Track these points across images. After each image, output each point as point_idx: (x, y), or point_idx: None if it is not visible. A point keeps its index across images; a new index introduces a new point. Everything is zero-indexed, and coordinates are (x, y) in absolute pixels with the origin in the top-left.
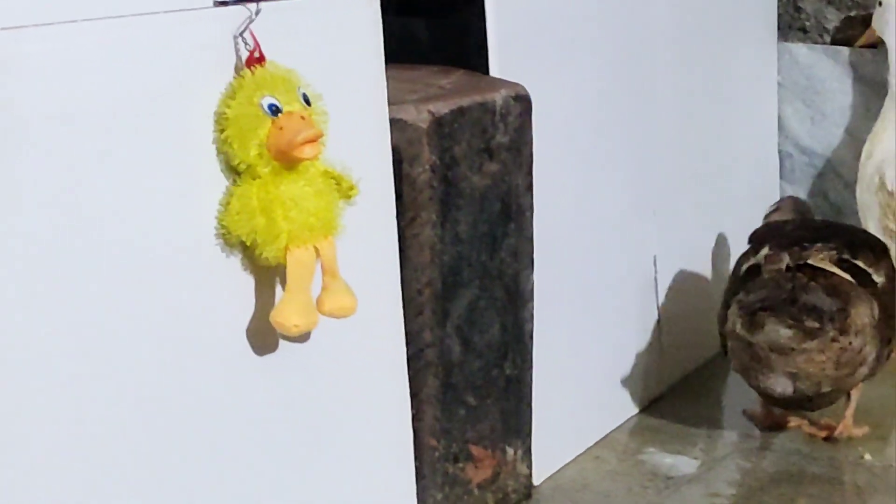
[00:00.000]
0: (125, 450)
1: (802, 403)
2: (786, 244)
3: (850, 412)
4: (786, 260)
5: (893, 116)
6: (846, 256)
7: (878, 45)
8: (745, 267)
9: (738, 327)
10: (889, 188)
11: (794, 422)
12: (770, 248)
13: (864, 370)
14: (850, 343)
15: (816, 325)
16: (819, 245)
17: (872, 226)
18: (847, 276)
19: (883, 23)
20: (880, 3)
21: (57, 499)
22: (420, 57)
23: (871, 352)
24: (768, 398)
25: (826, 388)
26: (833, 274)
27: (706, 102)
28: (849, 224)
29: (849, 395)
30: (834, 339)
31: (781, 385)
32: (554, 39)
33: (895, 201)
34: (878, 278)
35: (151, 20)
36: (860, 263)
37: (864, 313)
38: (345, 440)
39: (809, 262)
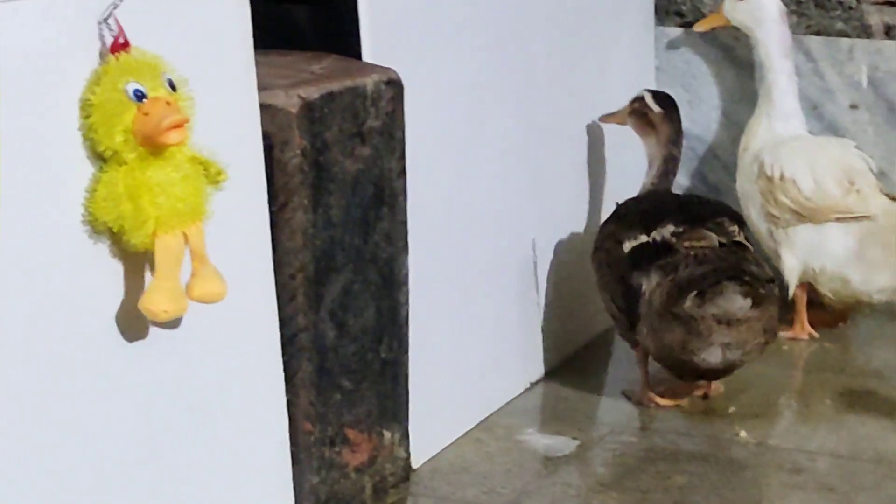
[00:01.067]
0: None
1: (718, 375)
2: (693, 221)
3: None
4: (714, 238)
5: (765, 108)
6: (747, 233)
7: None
8: (631, 245)
9: (687, 304)
10: (768, 174)
11: (677, 399)
12: (677, 225)
13: (773, 337)
14: (774, 311)
15: (763, 293)
16: (727, 222)
17: (754, 213)
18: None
19: (751, 17)
20: None
21: None
22: (296, 42)
23: (776, 324)
24: (691, 372)
25: (750, 356)
26: (750, 250)
27: (584, 87)
28: (707, 198)
29: None
30: (767, 308)
31: (714, 356)
32: (427, 24)
33: (776, 187)
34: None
35: (14, 5)
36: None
37: (774, 287)
38: (219, 426)
39: (737, 239)
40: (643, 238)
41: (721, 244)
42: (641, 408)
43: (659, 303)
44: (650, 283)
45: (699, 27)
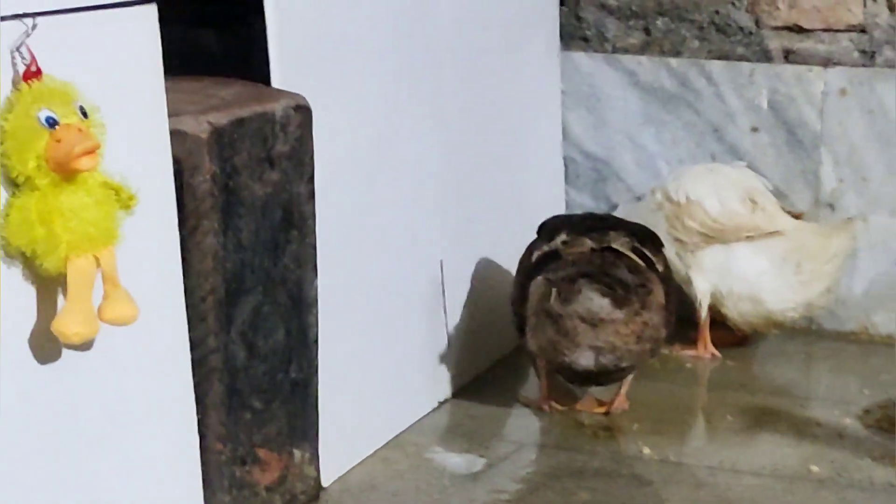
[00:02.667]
0: None
1: (599, 378)
2: (582, 231)
3: (625, 388)
4: (589, 244)
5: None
6: (636, 245)
7: None
8: (537, 254)
9: (552, 301)
10: (674, 199)
11: (574, 403)
12: (567, 235)
13: (655, 349)
14: (651, 318)
15: (624, 295)
16: (613, 233)
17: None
18: (640, 262)
19: None
20: None
21: None
22: (205, 67)
23: (662, 331)
24: (569, 374)
25: (625, 363)
26: (629, 257)
27: (492, 110)
28: (625, 219)
29: (624, 380)
30: (637, 313)
31: (585, 359)
32: (336, 50)
33: (682, 211)
34: (660, 267)
35: None
36: (647, 252)
37: (658, 293)
38: (130, 446)
39: (612, 245)
40: (545, 248)
41: (593, 249)
42: (546, 423)
43: (535, 302)
44: (534, 286)
45: None
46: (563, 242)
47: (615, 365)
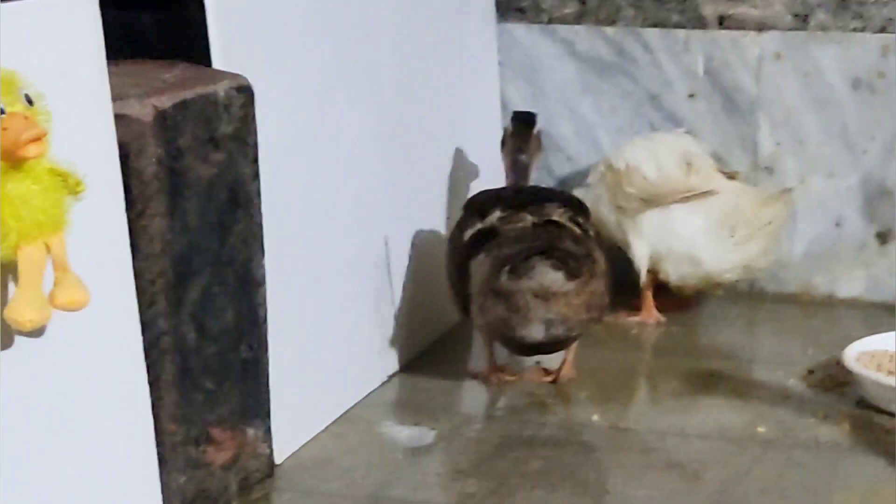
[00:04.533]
0: None
1: (546, 349)
2: (518, 206)
3: (571, 356)
4: (529, 218)
5: None
6: (573, 215)
7: None
8: (470, 233)
9: (503, 279)
10: (615, 167)
11: (511, 376)
12: (503, 211)
13: (600, 317)
14: (597, 287)
15: (575, 266)
16: (549, 206)
17: (604, 209)
18: (580, 232)
19: None
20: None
21: None
22: (145, 50)
23: (606, 298)
24: (516, 346)
25: (575, 332)
26: (570, 229)
27: (430, 85)
28: (553, 189)
29: (569, 349)
30: (586, 283)
31: (537, 332)
32: (276, 30)
33: (622, 178)
34: (593, 234)
35: None
36: (581, 221)
37: (600, 261)
38: (84, 430)
39: (553, 218)
40: (479, 226)
41: (535, 224)
42: (494, 394)
43: (481, 281)
44: (477, 265)
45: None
46: (500, 219)
47: (566, 335)
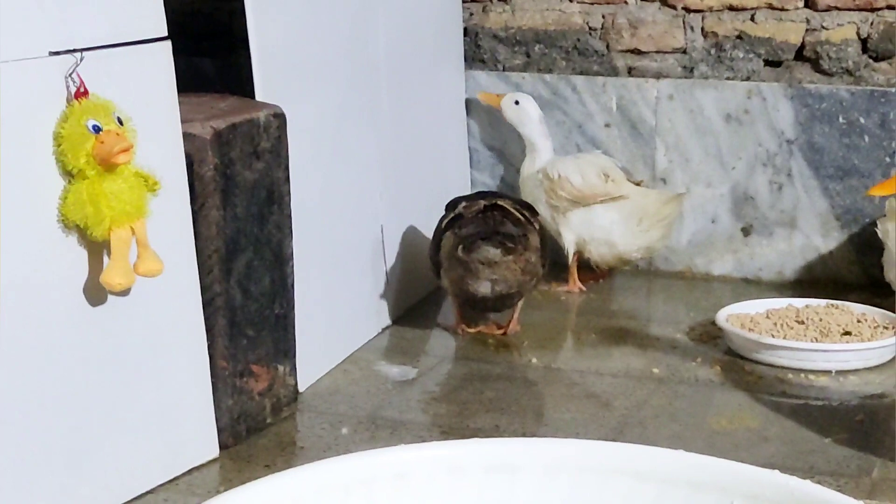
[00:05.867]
0: None
1: (495, 303)
2: (477, 198)
3: (516, 315)
4: (482, 202)
5: (530, 155)
6: (517, 206)
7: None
8: (444, 220)
9: (459, 251)
10: (551, 177)
11: (479, 327)
12: (465, 203)
13: (535, 280)
14: (530, 258)
15: (511, 245)
16: (500, 198)
17: (542, 207)
18: (521, 216)
19: (519, 119)
20: (517, 103)
21: None
22: (207, 87)
23: (539, 268)
24: (473, 300)
25: (513, 290)
26: (513, 213)
27: (416, 114)
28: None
29: (515, 307)
30: (521, 254)
31: (484, 287)
32: (301, 73)
33: (556, 185)
34: (536, 224)
35: (10, 66)
36: (525, 212)
37: (534, 240)
38: (158, 365)
39: (499, 203)
40: (451, 215)
41: (486, 206)
42: (460, 342)
43: (446, 252)
44: (445, 240)
45: (481, 98)
46: (464, 207)
47: (507, 292)
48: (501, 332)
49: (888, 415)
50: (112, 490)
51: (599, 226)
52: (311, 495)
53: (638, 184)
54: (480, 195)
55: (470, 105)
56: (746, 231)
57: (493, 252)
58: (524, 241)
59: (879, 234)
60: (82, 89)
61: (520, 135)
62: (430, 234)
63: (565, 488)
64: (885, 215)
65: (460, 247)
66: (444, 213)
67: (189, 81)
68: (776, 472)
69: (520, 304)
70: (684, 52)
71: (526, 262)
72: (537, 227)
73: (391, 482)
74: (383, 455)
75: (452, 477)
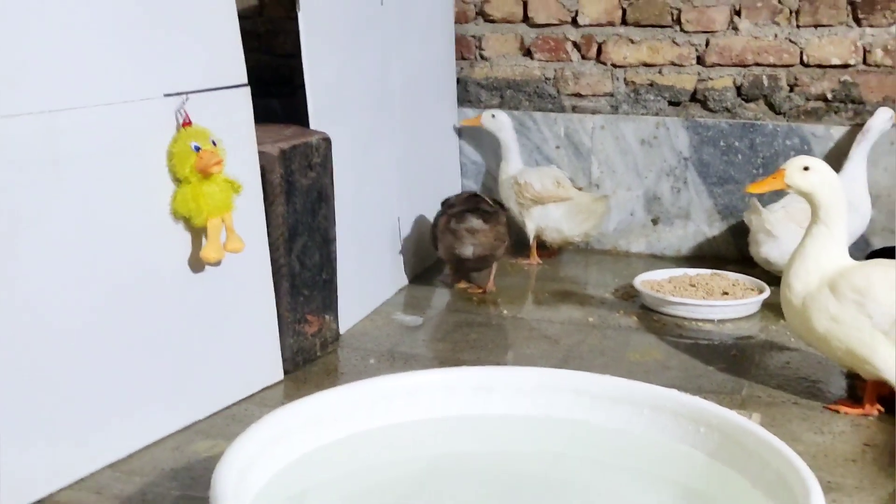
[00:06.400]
0: (117, 317)
1: (476, 264)
2: (462, 194)
3: (492, 276)
4: (466, 194)
5: (505, 162)
6: (490, 197)
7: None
8: (440, 209)
9: (451, 223)
10: (519, 183)
11: (464, 284)
12: (455, 197)
13: (503, 248)
14: (499, 230)
15: (488, 218)
16: (478, 194)
17: (512, 204)
18: (492, 202)
19: (497, 128)
20: (493, 116)
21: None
22: (275, 120)
23: (506, 238)
24: (459, 261)
25: (488, 253)
26: (487, 200)
27: (423, 138)
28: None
29: (491, 269)
30: (494, 226)
31: (468, 250)
32: (343, 107)
33: (522, 189)
34: (502, 209)
35: (136, 104)
36: (494, 201)
37: (502, 218)
38: (240, 316)
39: (477, 194)
40: (445, 204)
41: (468, 196)
42: (454, 298)
43: (441, 226)
44: (440, 219)
45: (464, 123)
46: (455, 197)
47: (484, 254)
48: (481, 290)
49: (753, 351)
50: (209, 402)
51: (552, 218)
52: (349, 406)
53: (579, 189)
54: (465, 192)
55: (461, 131)
56: (655, 221)
57: (475, 221)
58: (496, 217)
59: (746, 222)
60: (188, 120)
61: (496, 150)
62: (431, 222)
63: (527, 401)
64: (749, 209)
65: (452, 220)
66: (440, 207)
67: (263, 116)
68: (674, 390)
69: (494, 267)
70: (612, 95)
71: (497, 232)
72: (503, 211)
73: (404, 397)
74: (399, 378)
75: (447, 393)
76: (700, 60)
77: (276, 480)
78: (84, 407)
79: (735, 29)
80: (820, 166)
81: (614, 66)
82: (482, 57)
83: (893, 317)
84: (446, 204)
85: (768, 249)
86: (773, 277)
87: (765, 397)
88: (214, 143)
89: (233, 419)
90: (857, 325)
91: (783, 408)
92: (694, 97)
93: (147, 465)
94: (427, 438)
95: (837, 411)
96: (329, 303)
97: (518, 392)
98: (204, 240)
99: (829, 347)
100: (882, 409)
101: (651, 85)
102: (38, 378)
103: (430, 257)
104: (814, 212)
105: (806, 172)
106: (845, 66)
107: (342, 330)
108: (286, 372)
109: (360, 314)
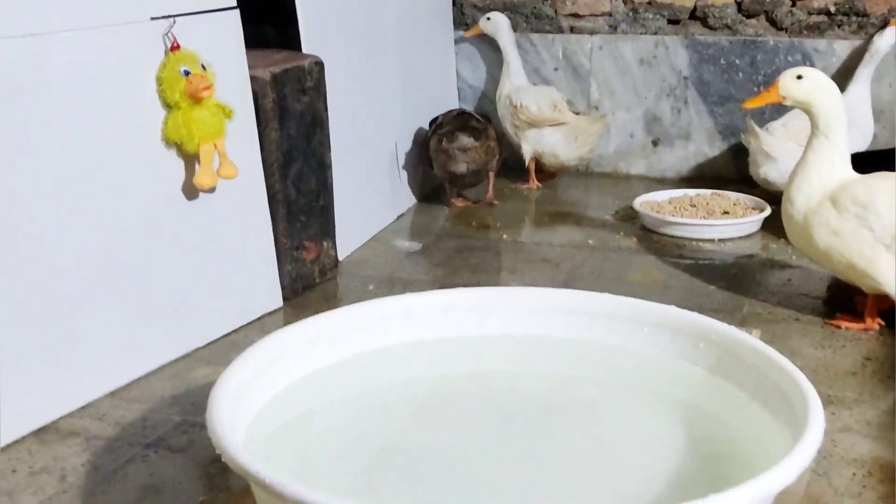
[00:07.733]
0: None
1: (470, 179)
2: (449, 112)
3: (490, 188)
4: (455, 111)
5: (506, 73)
6: (478, 113)
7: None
8: (430, 128)
9: (443, 143)
10: (514, 104)
11: (462, 203)
12: (442, 116)
13: (495, 161)
14: (489, 144)
15: (477, 133)
16: (465, 111)
17: (508, 125)
18: (481, 117)
19: (493, 29)
20: (489, 18)
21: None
22: (267, 45)
23: (497, 152)
24: (454, 177)
25: (480, 167)
26: (475, 116)
27: (420, 64)
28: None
29: (488, 181)
30: (483, 142)
31: (461, 167)
32: (336, 33)
33: (518, 110)
34: (491, 124)
35: (122, 28)
36: (483, 116)
37: (492, 133)
38: (237, 243)
39: (465, 110)
40: (434, 124)
41: (456, 114)
42: (453, 224)
43: (434, 146)
44: (432, 139)
45: (466, 34)
46: (442, 116)
47: (476, 169)
48: (486, 203)
49: (754, 269)
50: (208, 329)
51: (548, 142)
52: (347, 328)
53: (577, 112)
54: (453, 110)
55: (458, 55)
56: (655, 143)
57: (466, 140)
58: (486, 133)
59: (744, 143)
60: (176, 44)
61: (493, 73)
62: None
63: (525, 321)
64: (748, 130)
65: (443, 140)
66: (428, 126)
67: (256, 42)
68: (673, 307)
69: (491, 177)
70: (610, 15)
71: (488, 147)
72: (492, 125)
73: (402, 319)
74: (396, 300)
75: (444, 314)
76: None
77: (274, 402)
78: (84, 336)
79: None
80: (814, 73)
81: None
82: None
83: (895, 230)
84: (435, 123)
85: (767, 170)
86: (773, 197)
87: (765, 314)
88: (204, 68)
89: (233, 346)
90: (859, 239)
91: (784, 324)
92: (693, 14)
93: (147, 392)
94: (426, 360)
95: (838, 326)
96: (327, 229)
97: (516, 312)
98: (197, 166)
99: (831, 262)
100: (883, 323)
101: (650, 3)
102: (37, 308)
103: (429, 183)
104: (813, 123)
105: (800, 81)
106: None
107: (341, 257)
108: (285, 299)
109: (359, 241)
